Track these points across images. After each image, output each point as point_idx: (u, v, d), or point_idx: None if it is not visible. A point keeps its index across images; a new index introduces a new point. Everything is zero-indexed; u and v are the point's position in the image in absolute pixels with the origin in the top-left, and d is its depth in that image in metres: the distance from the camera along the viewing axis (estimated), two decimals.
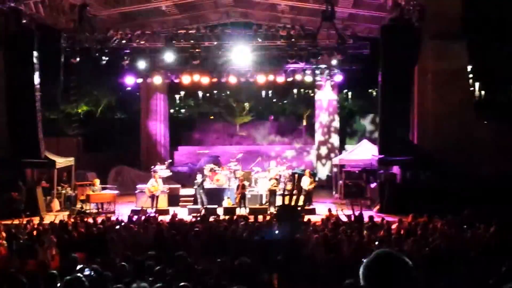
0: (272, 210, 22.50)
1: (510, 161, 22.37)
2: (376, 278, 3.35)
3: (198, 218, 18.96)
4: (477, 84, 40.25)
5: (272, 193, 23.62)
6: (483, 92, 41.28)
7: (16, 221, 18.41)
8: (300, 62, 26.10)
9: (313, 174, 25.07)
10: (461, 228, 14.72)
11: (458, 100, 23.05)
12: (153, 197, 23.73)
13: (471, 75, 30.82)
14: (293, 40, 24.82)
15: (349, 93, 43.65)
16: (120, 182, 29.57)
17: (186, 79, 28.08)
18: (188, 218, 20.44)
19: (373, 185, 24.85)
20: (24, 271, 10.19)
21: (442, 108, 22.93)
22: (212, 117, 44.54)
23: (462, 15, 23.03)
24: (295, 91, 42.31)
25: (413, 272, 3.34)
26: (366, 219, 16.83)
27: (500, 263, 9.61)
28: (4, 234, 15.31)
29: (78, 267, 10.29)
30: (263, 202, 24.33)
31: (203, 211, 22.29)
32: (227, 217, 19.65)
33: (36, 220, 17.89)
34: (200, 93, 44.00)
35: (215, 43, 25.34)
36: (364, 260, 3.43)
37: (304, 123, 42.29)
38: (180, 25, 29.32)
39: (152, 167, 25.90)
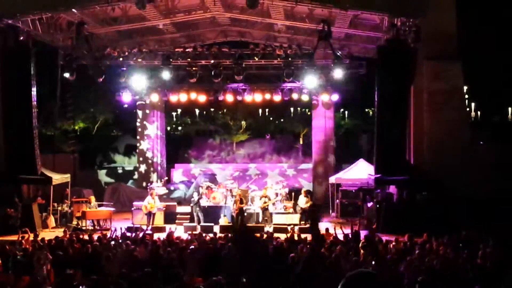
0: (268, 228, 22.61)
1: (506, 181, 22.42)
2: None
3: (195, 236, 18.91)
4: (473, 104, 40.47)
5: (264, 210, 23.83)
6: (479, 113, 41.49)
7: (11, 237, 18.36)
8: (296, 81, 26.21)
9: (309, 193, 25.06)
10: (457, 248, 14.72)
11: (454, 120, 23.15)
12: (150, 215, 23.68)
13: (466, 96, 30.99)
14: (289, 59, 24.95)
15: (346, 112, 43.84)
16: (116, 199, 29.53)
17: (183, 97, 28.15)
18: (184, 235, 20.39)
19: (369, 205, 24.83)
20: (19, 287, 10.16)
21: (438, 128, 23.02)
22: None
23: (458, 36, 23.21)
24: (291, 109, 42.50)
25: None
26: (362, 238, 16.83)
27: (496, 284, 9.61)
28: None
29: (74, 284, 10.28)
30: (259, 220, 24.37)
31: (199, 229, 22.27)
32: (223, 235, 19.59)
33: (31, 236, 17.80)
34: (197, 111, 44.12)
35: (212, 61, 25.47)
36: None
37: (301, 141, 42.38)
38: (177, 43, 29.44)
39: (149, 184, 25.89)
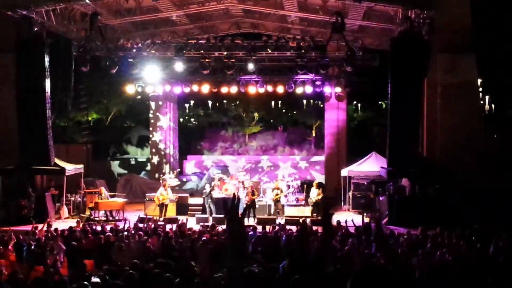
0: (280, 220, 22.66)
1: None
2: None
3: (207, 228, 18.96)
4: (486, 98, 40.20)
5: (276, 202, 23.98)
6: (492, 106, 41.20)
7: (25, 228, 18.51)
8: (309, 73, 26.14)
9: (321, 185, 25.05)
10: (470, 242, 14.66)
11: (467, 114, 22.98)
12: (162, 206, 23.83)
13: (480, 89, 30.78)
14: (302, 51, 24.87)
15: (359, 105, 43.74)
16: (129, 190, 29.67)
17: (195, 89, 28.16)
18: (196, 227, 20.46)
19: (382, 197, 24.78)
20: (32, 277, 10.25)
21: (451, 121, 22.87)
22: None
23: (472, 28, 23.03)
24: (304, 102, 42.42)
25: (400, 284, 3.36)
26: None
27: (509, 278, 9.58)
28: (13, 241, 15.41)
29: (86, 274, 10.34)
30: (271, 212, 24.44)
31: (211, 221, 22.35)
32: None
33: (44, 227, 17.94)
34: (210, 103, 44.16)
35: (225, 53, 25.45)
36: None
37: (313, 134, 42.34)
38: (190, 35, 29.51)
39: (161, 175, 25.99)
